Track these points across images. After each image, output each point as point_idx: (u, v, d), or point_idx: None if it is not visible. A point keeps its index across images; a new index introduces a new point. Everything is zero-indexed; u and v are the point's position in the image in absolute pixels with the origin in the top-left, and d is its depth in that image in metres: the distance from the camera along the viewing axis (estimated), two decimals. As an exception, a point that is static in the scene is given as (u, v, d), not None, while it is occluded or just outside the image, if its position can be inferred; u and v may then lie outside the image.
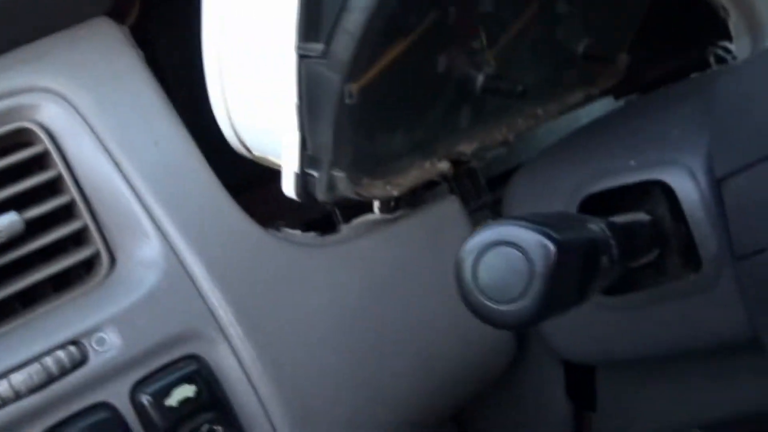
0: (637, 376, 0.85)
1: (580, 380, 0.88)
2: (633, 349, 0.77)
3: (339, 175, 0.69)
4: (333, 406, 0.73)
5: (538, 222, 0.51)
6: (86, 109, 0.72)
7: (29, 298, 0.71)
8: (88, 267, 0.72)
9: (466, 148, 0.81)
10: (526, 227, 0.51)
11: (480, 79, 0.79)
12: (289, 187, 0.71)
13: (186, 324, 0.69)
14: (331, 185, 0.70)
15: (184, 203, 0.71)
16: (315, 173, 0.69)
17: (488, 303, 0.52)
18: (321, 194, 0.70)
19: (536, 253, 0.50)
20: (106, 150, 0.72)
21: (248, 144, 0.74)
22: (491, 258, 0.52)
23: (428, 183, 0.82)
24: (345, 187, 0.70)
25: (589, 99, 0.96)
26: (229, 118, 0.74)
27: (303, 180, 0.70)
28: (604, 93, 0.97)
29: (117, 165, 0.71)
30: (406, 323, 0.76)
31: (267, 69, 0.69)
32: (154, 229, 0.70)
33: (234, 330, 0.69)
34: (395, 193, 0.75)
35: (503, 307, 0.51)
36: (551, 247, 0.50)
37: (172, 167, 0.72)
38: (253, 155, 0.75)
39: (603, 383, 0.87)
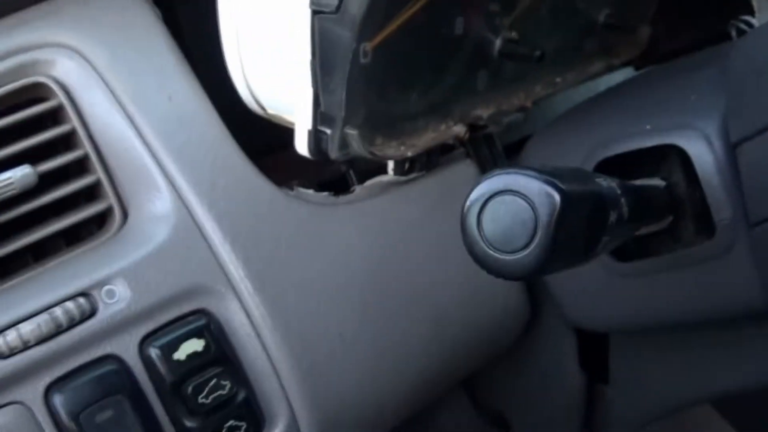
0: (651, 347, 0.83)
1: (594, 351, 0.87)
2: (646, 317, 0.75)
3: (352, 133, 0.68)
4: (342, 365, 0.71)
5: (546, 172, 0.50)
6: (101, 64, 0.71)
7: (41, 252, 0.71)
8: (100, 222, 0.72)
9: (483, 112, 0.80)
10: (532, 176, 0.49)
11: (498, 43, 0.77)
12: (302, 144, 0.70)
13: (196, 279, 0.68)
14: (344, 143, 0.69)
15: (197, 158, 0.70)
16: (328, 131, 0.68)
17: (493, 253, 0.51)
18: (333, 152, 0.69)
19: (541, 203, 0.48)
20: (120, 104, 0.71)
21: (263, 102, 0.73)
22: (496, 207, 0.51)
23: (444, 147, 0.81)
24: (358, 146, 0.69)
25: (608, 69, 0.94)
26: (244, 76, 0.73)
27: (316, 137, 0.69)
28: (625, 64, 0.95)
29: (130, 119, 0.70)
30: (417, 285, 0.75)
31: (281, 25, 0.68)
32: (166, 184, 0.69)
33: (244, 286, 0.68)
34: (409, 154, 0.74)
35: (508, 257, 0.50)
36: (557, 196, 0.48)
37: (185, 122, 0.71)
38: (268, 114, 0.74)
39: (616, 355, 0.85)
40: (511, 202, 0.50)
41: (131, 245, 0.68)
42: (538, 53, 0.77)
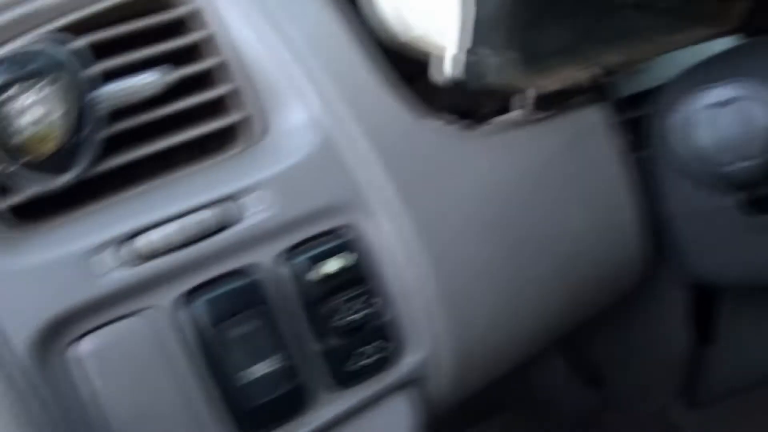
0: (760, 311, 0.80)
1: (702, 311, 0.83)
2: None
3: (498, 60, 0.65)
4: (482, 294, 0.66)
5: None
6: None
7: (173, 162, 0.66)
8: (229, 137, 0.67)
9: (611, 59, 0.77)
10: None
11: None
12: (444, 69, 0.66)
13: (342, 193, 0.62)
14: (488, 70, 0.65)
15: (346, 72, 0.65)
16: (473, 56, 0.64)
17: (718, 162, 0.47)
18: (489, 76, 0.65)
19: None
20: (263, 9, 0.65)
21: (410, 21, 0.69)
22: (718, 116, 0.47)
23: (570, 91, 0.78)
24: (501, 74, 0.65)
25: (709, 37, 0.92)
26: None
27: (460, 63, 0.65)
28: (735, 30, 0.92)
29: (276, 26, 0.65)
30: (547, 223, 0.70)
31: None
32: (315, 94, 0.63)
33: (392, 204, 0.63)
34: (549, 89, 0.70)
35: (739, 165, 0.46)
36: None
37: (334, 36, 0.66)
38: (409, 37, 0.70)
39: (726, 315, 0.82)
40: (741, 111, 0.46)
41: (277, 154, 0.62)
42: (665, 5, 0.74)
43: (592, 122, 0.74)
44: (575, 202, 0.72)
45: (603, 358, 0.91)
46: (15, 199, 0.58)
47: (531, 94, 0.73)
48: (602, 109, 0.75)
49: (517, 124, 0.72)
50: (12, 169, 0.58)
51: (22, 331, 0.54)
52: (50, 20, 0.63)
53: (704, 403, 0.87)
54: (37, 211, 0.60)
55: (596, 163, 0.73)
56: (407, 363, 0.64)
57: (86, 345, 0.56)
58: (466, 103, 0.75)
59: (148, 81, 0.62)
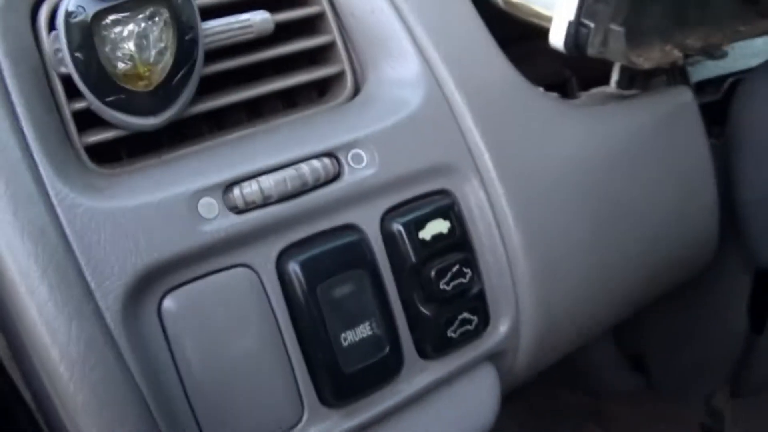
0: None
1: (756, 301, 0.82)
2: None
3: (618, 30, 0.61)
4: (571, 268, 0.63)
5: None
6: None
7: (262, 113, 0.61)
8: (325, 88, 0.63)
9: (695, 42, 0.74)
10: None
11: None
12: (558, 36, 0.62)
13: (443, 156, 0.58)
14: (605, 40, 0.62)
15: (449, 32, 0.60)
16: (591, 24, 0.61)
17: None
18: (593, 48, 0.61)
19: None
20: None
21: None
22: None
23: (653, 71, 0.75)
24: (619, 46, 0.62)
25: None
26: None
27: (576, 30, 0.62)
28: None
29: None
30: (636, 199, 0.67)
31: None
32: (416, 52, 0.59)
33: (490, 171, 0.59)
34: (645, 66, 0.68)
35: None
36: None
37: None
38: (512, 0, 0.66)
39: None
40: None
41: (375, 111, 0.58)
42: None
43: (682, 102, 0.71)
44: (664, 180, 0.69)
45: (652, 341, 0.89)
46: (96, 137, 0.53)
47: (617, 70, 0.70)
48: (689, 91, 0.72)
49: (606, 100, 0.69)
50: (99, 104, 0.53)
51: (117, 279, 0.49)
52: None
53: (747, 393, 0.86)
54: (114, 155, 0.56)
55: (685, 143, 0.70)
56: (498, 333, 0.61)
57: (181, 298, 0.51)
58: (556, 72, 0.72)
59: (259, 19, 0.57)
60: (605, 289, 0.66)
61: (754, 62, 0.84)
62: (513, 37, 0.65)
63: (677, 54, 0.70)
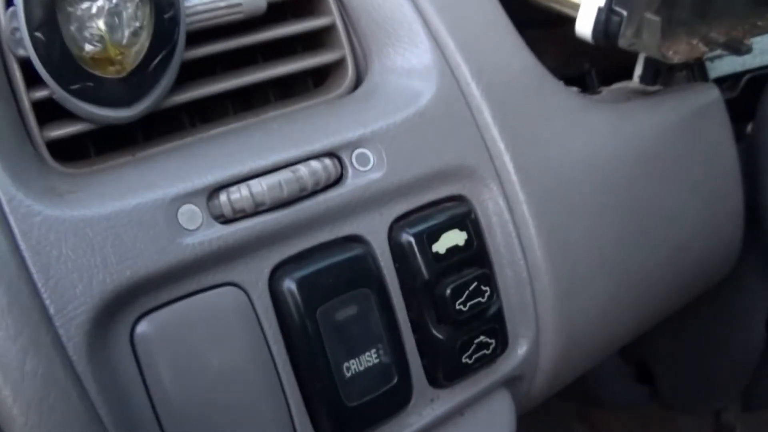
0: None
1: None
2: None
3: (654, 19, 0.53)
4: (595, 283, 0.55)
5: None
6: None
7: (253, 103, 0.52)
8: (324, 77, 0.54)
9: (718, 36, 0.67)
10: None
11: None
12: (586, 24, 0.54)
13: (458, 157, 0.49)
14: (639, 30, 0.54)
15: (465, 17, 0.52)
16: (624, 12, 0.53)
17: None
18: (624, 38, 0.53)
19: None
20: None
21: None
22: None
23: (676, 65, 0.67)
24: (653, 37, 0.54)
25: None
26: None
27: (607, 17, 0.53)
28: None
29: None
30: (661, 205, 0.59)
31: None
32: (427, 36, 0.50)
33: (511, 174, 0.50)
34: (675, 60, 0.60)
35: None
36: None
37: None
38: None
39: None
40: None
41: (381, 105, 0.49)
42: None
43: (709, 99, 0.63)
44: (690, 183, 0.61)
45: (659, 352, 0.81)
46: (58, 131, 0.44)
47: (642, 64, 0.62)
48: (715, 87, 0.64)
49: (630, 96, 0.60)
50: (63, 93, 0.43)
51: (81, 302, 0.40)
52: None
53: (760, 407, 0.79)
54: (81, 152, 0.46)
55: (712, 143, 0.62)
56: (516, 357, 0.53)
57: (158, 323, 0.42)
58: (570, 63, 0.64)
59: (234, 1, 0.48)
60: (628, 303, 0.58)
61: (770, 58, 0.77)
62: (523, 22, 0.57)
63: (703, 48, 0.63)
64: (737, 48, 0.68)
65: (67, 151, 0.46)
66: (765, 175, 0.65)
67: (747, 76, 0.75)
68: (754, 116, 0.68)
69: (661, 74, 0.63)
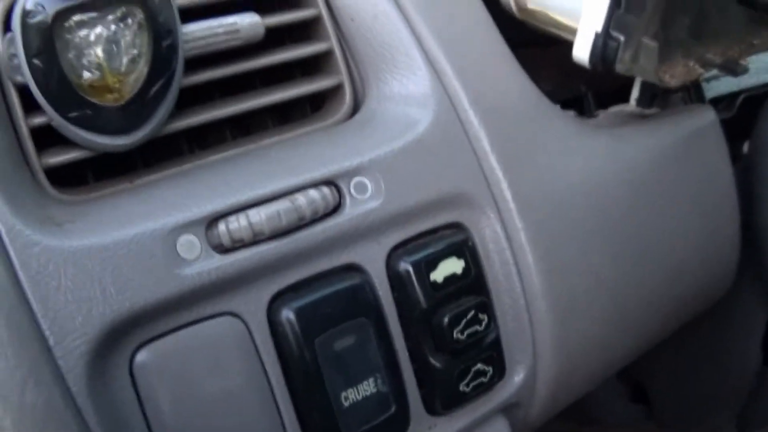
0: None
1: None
2: None
3: (651, 45, 0.54)
4: (592, 310, 0.55)
5: None
6: None
7: (249, 130, 0.53)
8: (320, 103, 0.55)
9: (715, 57, 0.68)
10: None
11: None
12: (583, 49, 0.55)
13: (456, 184, 0.50)
14: (636, 55, 0.55)
15: (462, 42, 0.53)
16: (621, 37, 0.54)
17: None
18: (622, 63, 0.55)
19: None
20: None
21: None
22: None
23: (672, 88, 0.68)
24: (650, 62, 0.55)
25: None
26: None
27: (604, 42, 0.55)
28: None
29: None
30: (658, 228, 0.60)
31: None
32: (425, 62, 0.51)
33: (508, 202, 0.51)
34: (672, 84, 0.61)
35: None
36: None
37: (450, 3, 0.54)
38: (527, 7, 0.59)
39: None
40: None
41: (379, 132, 0.50)
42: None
43: (705, 122, 0.64)
44: (687, 206, 0.62)
45: (656, 372, 0.82)
46: (57, 158, 0.45)
47: (638, 87, 0.63)
48: (711, 109, 0.65)
49: (626, 119, 0.61)
50: (61, 120, 0.44)
51: (81, 333, 0.41)
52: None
53: (755, 427, 0.80)
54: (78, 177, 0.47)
55: (709, 166, 0.63)
56: (513, 384, 0.54)
57: (157, 353, 0.43)
58: (564, 84, 0.65)
59: (247, 23, 0.49)
60: (625, 326, 0.59)
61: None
62: (518, 42, 0.58)
63: (699, 70, 0.64)
64: (733, 69, 0.69)
65: (65, 177, 0.46)
66: (761, 197, 0.66)
67: (743, 96, 0.77)
68: (750, 136, 0.69)
69: (657, 97, 0.64)
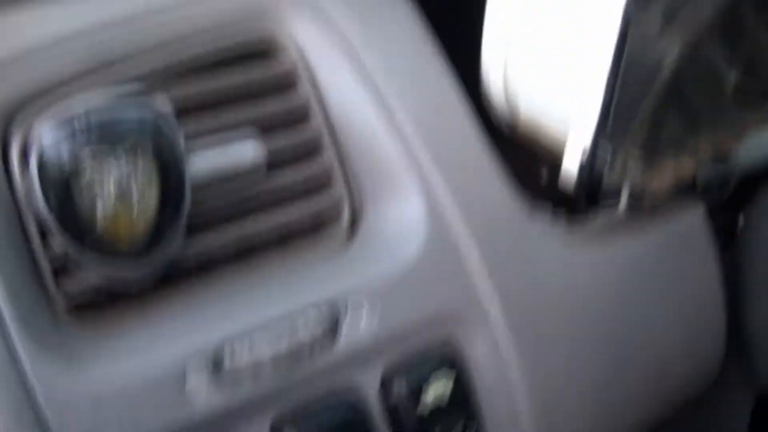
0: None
1: (762, 419, 0.79)
2: None
3: (637, 153, 0.58)
4: (577, 420, 0.59)
5: None
6: (348, 28, 0.57)
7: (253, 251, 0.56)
8: (316, 221, 0.58)
9: (706, 151, 0.71)
10: None
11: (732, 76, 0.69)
12: (571, 165, 0.58)
13: (448, 303, 0.54)
14: (624, 167, 0.58)
15: (455, 160, 0.56)
16: (609, 149, 0.57)
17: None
18: (610, 177, 0.58)
19: None
20: (366, 77, 0.56)
21: (521, 105, 0.61)
22: None
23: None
24: (636, 171, 0.58)
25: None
26: (505, 72, 0.61)
27: (591, 158, 0.58)
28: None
29: (378, 98, 0.56)
30: (643, 333, 0.63)
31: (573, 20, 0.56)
32: (421, 186, 0.54)
33: (496, 319, 0.55)
34: (655, 188, 0.64)
35: None
36: None
37: (443, 116, 0.57)
38: (519, 121, 0.62)
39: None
40: None
41: (381, 255, 0.54)
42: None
43: (692, 225, 0.67)
44: (673, 307, 0.65)
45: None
46: (74, 287, 0.48)
47: (626, 192, 0.66)
48: (700, 211, 0.68)
49: (616, 226, 0.64)
50: (78, 252, 0.48)
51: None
52: (129, 67, 0.53)
53: None
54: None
55: (695, 267, 0.66)
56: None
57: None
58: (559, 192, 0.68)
59: (250, 152, 0.52)
60: (613, 429, 0.63)
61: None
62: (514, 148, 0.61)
63: (691, 165, 0.67)
64: (725, 160, 0.72)
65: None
66: (748, 295, 0.69)
67: (735, 179, 0.79)
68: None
69: (647, 201, 0.67)
